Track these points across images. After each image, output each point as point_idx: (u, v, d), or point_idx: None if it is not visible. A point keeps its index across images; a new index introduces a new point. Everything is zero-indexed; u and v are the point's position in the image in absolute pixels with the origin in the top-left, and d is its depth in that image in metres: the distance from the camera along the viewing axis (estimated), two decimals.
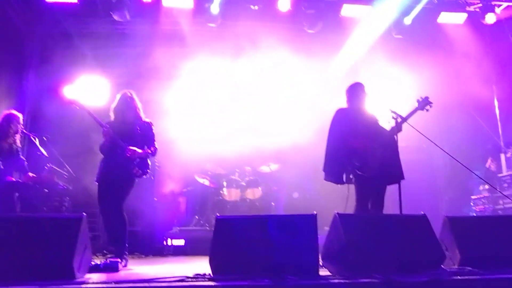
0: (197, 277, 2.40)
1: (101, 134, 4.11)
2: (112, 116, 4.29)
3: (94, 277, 2.84)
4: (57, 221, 2.76)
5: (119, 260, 3.49)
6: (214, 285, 2.22)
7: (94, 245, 3.91)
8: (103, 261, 3.46)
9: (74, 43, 7.67)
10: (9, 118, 4.88)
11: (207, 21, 7.17)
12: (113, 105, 4.32)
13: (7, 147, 4.87)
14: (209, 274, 2.53)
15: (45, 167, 5.36)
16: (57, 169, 5.56)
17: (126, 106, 4.25)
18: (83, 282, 2.43)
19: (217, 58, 8.00)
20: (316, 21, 7.36)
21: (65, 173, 5.78)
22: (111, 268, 3.29)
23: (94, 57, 7.84)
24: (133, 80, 7.98)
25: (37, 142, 5.29)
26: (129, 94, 4.33)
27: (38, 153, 5.24)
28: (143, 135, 4.24)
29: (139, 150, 4.09)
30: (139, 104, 4.38)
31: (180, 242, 6.22)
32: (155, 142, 4.32)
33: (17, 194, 4.84)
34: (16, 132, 4.94)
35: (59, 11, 6.96)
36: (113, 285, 2.22)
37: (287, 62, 8.18)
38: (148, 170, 4.21)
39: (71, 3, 6.69)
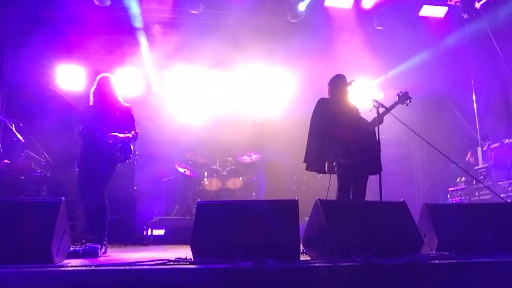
0: (179, 260, 2.41)
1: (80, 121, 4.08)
2: (91, 101, 4.23)
3: (73, 262, 2.83)
4: (35, 204, 2.73)
5: (98, 246, 3.46)
6: (196, 268, 2.23)
7: (72, 234, 3.87)
8: (82, 247, 3.43)
9: (49, 27, 7.49)
10: None
11: (190, 8, 7.11)
12: (92, 88, 4.24)
13: None
14: (191, 258, 2.54)
15: (22, 153, 5.26)
16: (35, 155, 5.46)
17: (104, 90, 4.18)
18: (62, 266, 2.42)
19: (203, 49, 7.95)
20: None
21: (42, 160, 5.69)
22: (91, 253, 3.26)
23: (68, 42, 7.69)
24: (110, 67, 7.89)
25: (13, 128, 5.19)
26: (107, 78, 4.26)
27: (15, 139, 5.15)
28: (122, 119, 4.18)
29: (121, 135, 4.03)
30: (117, 88, 4.30)
31: (160, 231, 6.20)
32: (135, 126, 4.26)
33: None
34: None
35: None
36: (93, 268, 2.21)
37: (271, 55, 8.19)
38: (130, 155, 4.18)
39: None
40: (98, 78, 4.27)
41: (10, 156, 5.04)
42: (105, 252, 3.80)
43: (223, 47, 7.71)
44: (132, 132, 4.20)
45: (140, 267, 2.23)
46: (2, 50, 7.34)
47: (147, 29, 7.62)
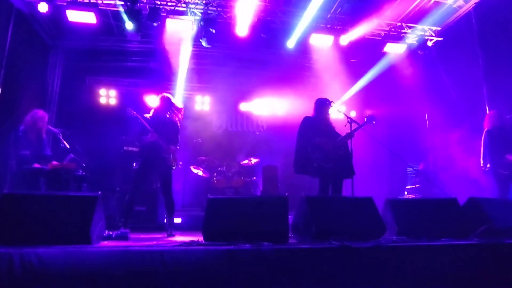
0: (192, 243, 2.40)
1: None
2: (150, 114, 4.28)
3: (107, 243, 2.81)
4: (78, 198, 2.72)
5: (128, 230, 3.45)
6: (206, 249, 2.22)
7: (107, 222, 3.88)
8: (115, 232, 3.41)
9: (92, 56, 7.55)
10: (34, 116, 4.82)
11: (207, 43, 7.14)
12: (156, 105, 4.32)
13: (34, 140, 4.80)
14: (202, 241, 2.54)
15: (67, 157, 5.25)
16: (77, 159, 5.45)
17: (164, 107, 4.26)
18: (98, 246, 2.41)
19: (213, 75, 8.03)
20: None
21: (83, 163, 5.67)
22: (122, 237, 3.25)
23: (106, 68, 7.76)
24: (140, 89, 7.93)
25: (60, 136, 5.19)
26: (167, 98, 4.31)
27: (61, 145, 5.13)
28: (175, 131, 4.30)
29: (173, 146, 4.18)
30: (173, 107, 4.36)
31: (178, 220, 6.16)
32: (178, 138, 4.38)
33: (42, 179, 4.76)
34: (41, 128, 4.86)
35: (80, 29, 6.82)
36: (123, 248, 2.20)
37: (267, 81, 8.25)
38: (180, 163, 4.28)
39: (90, 24, 6.58)
40: (160, 96, 4.32)
41: (58, 159, 5.04)
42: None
43: (228, 73, 7.79)
44: (178, 144, 4.34)
45: (162, 248, 2.23)
46: (52, 74, 7.37)
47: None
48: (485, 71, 6.84)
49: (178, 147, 4.36)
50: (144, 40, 7.26)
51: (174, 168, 4.34)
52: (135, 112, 4.21)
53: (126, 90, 8.29)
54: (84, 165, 5.59)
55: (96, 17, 6.30)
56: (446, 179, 6.80)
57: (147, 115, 4.32)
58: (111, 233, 3.27)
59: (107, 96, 8.16)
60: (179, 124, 4.44)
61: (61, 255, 2.01)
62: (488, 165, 4.69)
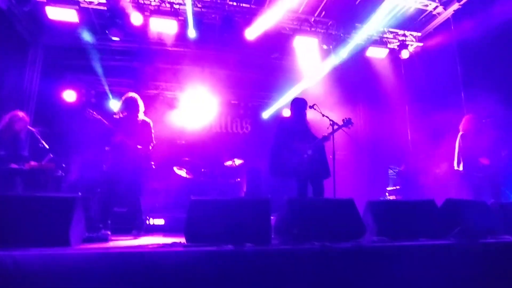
0: (174, 244, 2.39)
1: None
2: (119, 115, 4.22)
3: (87, 246, 2.76)
4: (56, 199, 2.66)
5: (109, 232, 3.39)
6: (187, 250, 2.22)
7: (88, 224, 3.80)
8: (95, 234, 3.35)
9: (73, 54, 7.38)
10: (13, 118, 4.70)
11: (188, 43, 7.12)
12: (120, 105, 4.25)
13: (10, 140, 4.68)
14: (184, 243, 2.53)
15: (46, 157, 5.11)
16: (56, 159, 5.32)
17: (131, 107, 4.20)
18: (78, 249, 2.36)
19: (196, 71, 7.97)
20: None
21: (63, 163, 5.53)
22: (102, 239, 3.19)
23: (88, 67, 7.60)
24: (123, 89, 7.81)
25: (39, 136, 5.05)
26: (133, 98, 4.25)
27: (40, 145, 5.00)
28: (144, 132, 4.21)
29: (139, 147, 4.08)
30: (141, 106, 4.29)
31: (160, 221, 6.09)
32: (152, 139, 4.30)
33: (19, 180, 4.62)
34: (20, 129, 4.73)
35: (61, 27, 6.65)
36: (104, 250, 2.17)
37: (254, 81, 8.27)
38: (152, 162, 4.28)
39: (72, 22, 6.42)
40: (124, 97, 4.24)
41: (37, 159, 4.90)
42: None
43: (212, 74, 7.77)
44: (151, 144, 4.26)
45: (143, 249, 2.21)
46: (31, 71, 7.17)
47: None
48: (463, 77, 7.07)
49: (150, 147, 4.28)
50: (128, 39, 7.15)
51: (145, 168, 4.28)
52: (95, 113, 4.15)
53: (108, 89, 8.16)
54: (63, 165, 5.46)
55: (78, 15, 6.17)
56: (425, 181, 6.98)
57: (116, 116, 4.29)
58: (91, 235, 3.21)
59: (89, 95, 8.01)
60: (151, 124, 4.37)
61: (38, 259, 1.97)
62: (461, 168, 4.84)
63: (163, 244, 2.38)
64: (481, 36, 6.43)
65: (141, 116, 4.33)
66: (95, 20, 6.94)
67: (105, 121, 4.10)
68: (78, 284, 1.97)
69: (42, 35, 7.07)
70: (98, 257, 2.06)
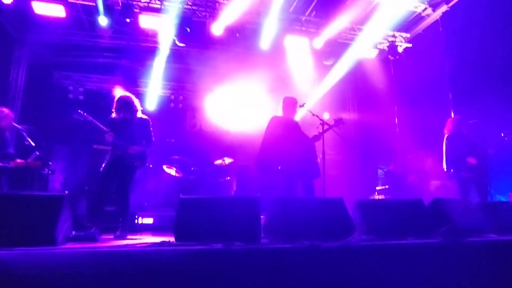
0: (163, 243, 2.37)
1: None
2: (114, 114, 4.15)
3: (75, 245, 2.71)
4: (43, 197, 2.61)
5: (97, 231, 3.35)
6: (176, 249, 2.20)
7: (75, 223, 3.75)
8: (83, 233, 3.29)
9: (61, 51, 7.26)
10: None
11: (178, 41, 7.05)
12: (114, 105, 4.16)
13: None
14: (173, 242, 2.51)
15: (32, 155, 5.02)
16: (43, 156, 5.23)
17: (126, 106, 4.14)
18: (64, 248, 2.32)
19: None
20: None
21: (50, 161, 5.44)
22: (90, 238, 3.15)
23: (76, 64, 7.49)
24: (111, 86, 7.71)
25: (24, 133, 4.95)
26: (127, 97, 4.18)
27: (26, 142, 4.91)
28: (141, 130, 4.15)
29: (134, 148, 4.04)
30: (137, 104, 4.24)
31: (149, 220, 6.04)
32: (151, 136, 4.22)
33: (4, 178, 4.53)
34: (5, 127, 4.62)
35: (48, 23, 6.53)
36: (91, 249, 2.14)
37: (243, 79, 8.25)
38: (146, 159, 4.19)
39: (59, 17, 6.30)
40: (118, 98, 4.16)
41: (22, 156, 4.80)
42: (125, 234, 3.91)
43: (202, 73, 7.73)
44: (150, 142, 4.20)
45: (131, 248, 2.18)
46: (17, 68, 7.03)
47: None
48: (451, 78, 7.19)
49: (146, 146, 4.22)
50: (116, 36, 7.06)
51: (139, 167, 4.21)
52: (85, 114, 4.09)
53: (96, 86, 8.06)
54: (50, 163, 5.37)
55: (66, 11, 6.07)
56: (413, 180, 7.07)
57: (113, 116, 4.23)
58: (78, 234, 3.16)
59: (77, 93, 7.89)
60: (150, 122, 4.30)
61: (24, 258, 1.93)
62: (452, 170, 4.92)
63: (151, 243, 2.35)
64: (468, 38, 6.55)
65: (139, 114, 4.27)
66: (83, 15, 6.83)
67: (96, 122, 4.04)
68: (65, 283, 1.94)
69: (28, 32, 6.93)
70: (85, 256, 2.03)
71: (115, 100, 4.21)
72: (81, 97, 7.94)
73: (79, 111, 4.09)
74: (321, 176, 4.16)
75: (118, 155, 4.03)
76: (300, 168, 3.97)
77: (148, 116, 4.37)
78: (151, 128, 4.27)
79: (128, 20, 6.24)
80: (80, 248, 2.29)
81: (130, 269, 2.02)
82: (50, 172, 5.19)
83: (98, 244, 3.00)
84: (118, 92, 6.41)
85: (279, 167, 3.97)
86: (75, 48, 7.37)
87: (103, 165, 4.06)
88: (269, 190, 5.85)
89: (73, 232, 3.11)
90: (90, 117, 4.05)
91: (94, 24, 6.31)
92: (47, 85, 7.61)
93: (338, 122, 4.14)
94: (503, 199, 5.37)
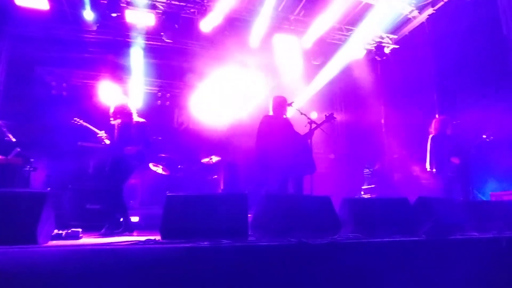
0: (148, 241, 2.34)
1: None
2: (112, 120, 4.37)
3: (56, 243, 2.65)
4: (24, 195, 2.54)
5: (80, 230, 3.28)
6: (162, 247, 2.17)
7: (58, 221, 3.67)
8: (65, 231, 3.22)
9: (43, 45, 7.07)
10: None
11: (166, 37, 6.97)
12: (111, 111, 4.38)
13: None
14: (159, 240, 2.48)
15: (13, 151, 4.88)
16: (25, 153, 5.09)
17: (121, 113, 4.35)
18: (45, 246, 2.27)
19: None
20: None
21: (31, 158, 5.30)
22: (73, 236, 3.08)
23: (60, 59, 7.32)
24: (96, 82, 7.58)
25: (5, 129, 4.82)
26: (124, 105, 4.38)
27: (6, 138, 4.77)
28: (138, 132, 4.32)
29: (130, 148, 4.21)
30: (133, 109, 4.43)
31: (135, 219, 5.95)
32: (149, 137, 4.43)
33: None
34: None
35: (30, 15, 6.35)
36: (73, 247, 2.09)
37: (232, 77, 8.22)
38: (143, 159, 4.37)
39: (42, 10, 6.13)
40: (115, 106, 4.36)
41: (3, 153, 4.67)
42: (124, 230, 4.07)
43: (190, 70, 7.67)
44: (148, 143, 4.39)
45: (115, 246, 2.14)
46: None
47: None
48: (436, 79, 7.33)
49: (140, 147, 4.34)
50: (102, 31, 6.92)
51: (136, 167, 4.40)
52: (81, 120, 4.32)
53: (80, 82, 7.89)
54: (32, 160, 5.22)
55: (49, 3, 5.92)
56: (399, 179, 7.19)
57: (112, 122, 4.48)
58: (60, 232, 3.09)
59: (60, 88, 7.70)
60: (147, 125, 4.52)
61: (3, 257, 1.87)
62: (434, 170, 5.01)
63: (137, 241, 2.32)
64: (453, 40, 6.69)
65: (135, 118, 4.45)
66: (67, 9, 6.67)
67: (92, 127, 4.26)
68: (46, 283, 1.89)
69: (9, 24, 6.73)
70: (67, 255, 1.98)
71: (113, 107, 4.42)
72: (64, 93, 7.76)
73: (75, 118, 4.31)
74: (315, 172, 4.20)
75: (115, 155, 4.20)
76: (296, 165, 4.01)
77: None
78: (149, 130, 4.48)
79: (114, 14, 6.12)
80: (62, 246, 2.24)
81: (115, 268, 1.99)
82: (32, 169, 5.05)
83: (81, 243, 2.94)
84: (104, 87, 6.35)
85: (278, 165, 4.00)
86: (58, 43, 7.18)
87: (92, 164, 4.10)
88: (263, 187, 5.87)
89: (56, 231, 3.04)
90: (86, 124, 4.27)
91: (79, 18, 6.18)
92: (29, 80, 7.40)
93: (330, 117, 4.18)
94: (484, 198, 5.51)
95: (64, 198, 5.38)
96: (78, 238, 3.11)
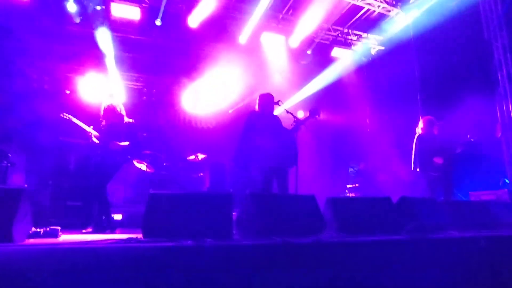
0: (130, 239, 2.28)
1: None
2: (103, 122, 4.41)
3: (33, 241, 2.56)
4: (0, 191, 2.44)
5: (59, 228, 3.18)
6: (143, 246, 2.12)
7: (37, 219, 3.56)
8: (43, 229, 3.11)
9: (24, 37, 6.83)
10: None
11: (151, 32, 6.85)
12: (101, 112, 4.43)
13: None
14: (141, 238, 2.42)
15: None
16: (2, 149, 4.92)
17: (109, 114, 4.40)
18: (21, 244, 2.18)
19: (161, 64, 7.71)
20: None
21: (9, 154, 5.12)
22: (51, 234, 2.98)
23: (42, 51, 7.10)
24: (78, 76, 7.39)
25: None
26: (112, 106, 4.41)
27: None
28: (126, 131, 4.40)
29: (120, 143, 4.24)
30: (121, 110, 4.48)
31: (118, 216, 5.84)
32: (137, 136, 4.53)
33: None
34: None
35: (11, 5, 6.12)
36: (50, 246, 2.01)
37: (218, 74, 8.15)
38: (130, 156, 4.45)
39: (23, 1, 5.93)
40: (105, 108, 4.40)
41: None
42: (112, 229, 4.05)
43: (177, 66, 7.56)
44: (132, 141, 4.39)
45: (95, 245, 2.08)
46: None
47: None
48: (420, 80, 7.45)
49: (131, 145, 4.41)
50: (87, 24, 6.74)
51: (122, 164, 4.42)
52: (70, 116, 4.28)
53: (63, 76, 7.67)
54: (9, 155, 5.05)
55: None
56: (383, 179, 7.28)
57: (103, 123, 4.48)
58: (38, 230, 2.98)
59: (42, 81, 7.47)
60: (136, 126, 4.60)
61: None
62: (418, 168, 5.08)
63: (117, 239, 2.25)
64: (437, 42, 6.81)
65: (125, 120, 4.52)
66: (50, 0, 6.46)
67: (80, 123, 4.23)
68: (22, 282, 1.82)
69: None
70: (44, 254, 1.91)
71: (103, 108, 4.45)
72: (46, 86, 7.54)
73: (64, 113, 4.25)
74: (295, 167, 4.16)
75: (101, 152, 4.20)
76: (277, 162, 3.97)
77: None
78: (137, 130, 4.60)
79: (99, 7, 5.97)
80: (39, 245, 2.16)
81: (94, 267, 1.93)
82: (9, 164, 4.88)
83: (60, 241, 2.85)
84: (87, 81, 6.20)
85: (259, 161, 3.95)
86: (40, 34, 6.96)
87: (73, 160, 4.02)
88: (244, 185, 5.83)
89: (34, 228, 2.94)
90: (76, 119, 4.22)
91: (62, 9, 6.00)
92: (10, 73, 7.15)
93: (313, 112, 4.15)
94: (463, 198, 5.64)
95: (44, 195, 5.23)
96: (57, 236, 3.01)
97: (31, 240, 2.60)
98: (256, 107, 4.38)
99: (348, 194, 7.82)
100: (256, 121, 4.17)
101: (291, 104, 8.83)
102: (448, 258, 2.71)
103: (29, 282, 1.83)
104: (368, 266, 2.44)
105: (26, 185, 2.45)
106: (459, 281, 2.63)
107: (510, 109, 6.18)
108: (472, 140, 5.07)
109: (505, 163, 6.18)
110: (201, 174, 7.55)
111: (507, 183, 6.06)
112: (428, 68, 7.17)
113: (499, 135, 6.18)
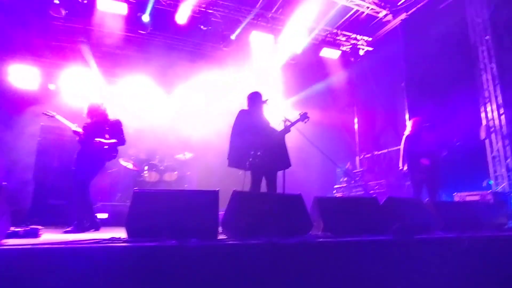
0: (113, 239, 2.22)
1: None
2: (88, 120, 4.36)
3: (12, 241, 2.47)
4: None
5: (40, 227, 3.08)
6: (127, 246, 2.07)
7: (17, 218, 3.46)
8: (23, 229, 3.01)
9: (8, 31, 6.65)
10: None
11: (138, 28, 6.74)
12: (85, 113, 4.38)
13: None
14: (125, 237, 2.37)
15: None
16: None
17: (93, 113, 4.36)
18: None
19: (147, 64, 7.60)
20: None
21: None
22: (31, 234, 2.88)
23: (27, 46, 6.91)
24: (65, 71, 7.23)
25: None
26: (97, 106, 4.38)
27: None
28: (112, 130, 4.35)
29: (105, 141, 4.22)
30: (107, 109, 4.45)
31: (104, 215, 5.73)
32: (123, 134, 4.44)
33: None
34: None
35: None
36: (29, 246, 1.94)
37: (206, 73, 8.08)
38: (114, 154, 4.35)
39: None
40: (88, 106, 4.35)
41: None
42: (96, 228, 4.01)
43: (165, 63, 7.47)
44: (117, 139, 4.37)
45: (76, 245, 2.02)
46: None
47: (95, 42, 7.10)
48: (407, 82, 7.54)
49: (117, 143, 4.39)
50: (72, 19, 6.58)
51: (107, 161, 4.38)
52: (53, 112, 4.25)
53: (48, 71, 7.48)
54: None
55: None
56: (370, 179, 7.35)
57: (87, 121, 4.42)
58: (18, 229, 2.88)
59: (27, 78, 7.27)
60: (121, 124, 4.52)
61: None
62: (405, 168, 5.12)
63: (100, 239, 2.19)
64: (424, 45, 6.90)
65: (110, 117, 4.48)
66: None
67: (64, 120, 4.19)
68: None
69: None
70: (22, 254, 1.85)
71: (86, 107, 4.41)
72: (32, 83, 7.33)
73: (47, 110, 4.21)
74: (290, 167, 4.17)
75: (85, 149, 4.16)
76: (269, 162, 3.95)
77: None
78: (122, 129, 4.47)
79: (85, 1, 5.85)
80: (17, 245, 2.09)
81: (74, 268, 1.87)
82: None
83: (40, 241, 2.76)
84: (71, 77, 6.05)
85: (250, 159, 3.93)
86: (24, 29, 6.77)
87: (56, 158, 3.91)
88: (231, 185, 5.77)
89: (12, 228, 2.84)
90: (60, 116, 4.19)
91: (47, 3, 5.84)
92: None
93: (303, 116, 4.16)
94: (448, 199, 5.72)
95: (25, 193, 5.09)
96: (37, 236, 2.91)
97: (9, 241, 2.51)
98: (246, 105, 4.36)
99: (335, 194, 7.86)
100: (247, 119, 4.14)
101: (279, 103, 8.85)
102: (433, 257, 2.73)
103: (6, 285, 1.76)
104: (354, 266, 2.44)
105: (4, 183, 2.36)
106: (444, 280, 2.66)
107: (493, 112, 6.32)
108: (457, 143, 5.15)
109: (489, 165, 6.31)
110: (189, 173, 7.48)
111: (491, 184, 6.19)
112: (415, 70, 7.26)
113: (483, 138, 6.31)
